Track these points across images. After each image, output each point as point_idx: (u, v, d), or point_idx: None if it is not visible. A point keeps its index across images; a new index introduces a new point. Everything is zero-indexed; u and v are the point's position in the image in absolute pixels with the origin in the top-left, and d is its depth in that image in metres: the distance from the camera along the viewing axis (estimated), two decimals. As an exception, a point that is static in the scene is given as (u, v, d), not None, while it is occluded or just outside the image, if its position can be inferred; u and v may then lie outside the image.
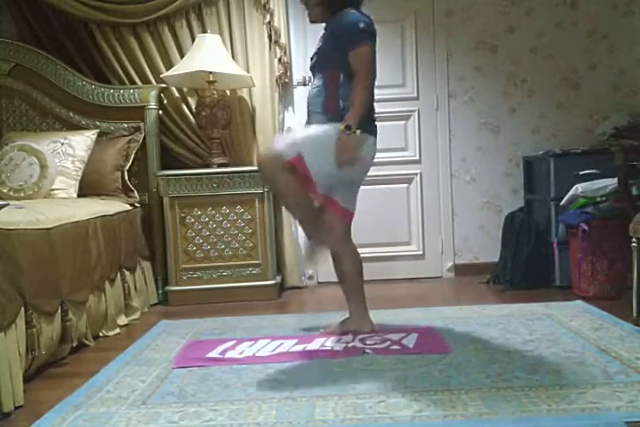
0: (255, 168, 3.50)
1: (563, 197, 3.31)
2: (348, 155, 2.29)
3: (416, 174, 3.95)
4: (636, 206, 2.82)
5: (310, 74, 2.56)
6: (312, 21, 2.57)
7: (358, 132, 2.28)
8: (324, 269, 3.81)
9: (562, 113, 3.90)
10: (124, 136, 3.60)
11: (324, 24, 2.51)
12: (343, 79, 2.36)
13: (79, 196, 3.32)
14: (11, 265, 2.03)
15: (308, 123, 2.52)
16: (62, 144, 3.37)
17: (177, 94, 3.79)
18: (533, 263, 3.46)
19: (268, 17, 3.71)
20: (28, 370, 2.15)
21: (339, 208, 2.48)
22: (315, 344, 2.46)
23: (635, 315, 2.59)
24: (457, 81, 3.92)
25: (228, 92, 3.77)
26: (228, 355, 2.37)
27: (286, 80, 3.81)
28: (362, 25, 2.32)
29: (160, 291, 3.61)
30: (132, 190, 3.53)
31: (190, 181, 3.48)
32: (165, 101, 3.78)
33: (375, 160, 2.50)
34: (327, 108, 2.40)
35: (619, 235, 2.89)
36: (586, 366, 2.06)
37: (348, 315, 2.61)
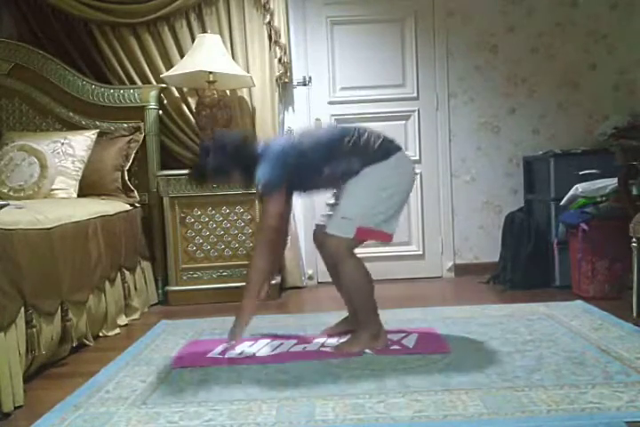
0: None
1: (563, 197, 3.31)
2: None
3: (416, 174, 3.94)
4: (636, 206, 2.82)
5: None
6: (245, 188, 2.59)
7: None
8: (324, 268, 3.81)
9: (562, 113, 3.90)
10: (124, 136, 3.60)
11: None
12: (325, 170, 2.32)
13: (79, 196, 3.31)
14: (11, 265, 2.02)
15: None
16: (62, 144, 3.37)
17: (177, 94, 3.78)
18: (533, 263, 3.46)
19: (268, 17, 3.71)
20: (27, 370, 2.15)
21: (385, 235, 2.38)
22: (315, 344, 2.46)
23: (635, 315, 2.59)
24: (457, 81, 3.92)
25: (228, 92, 3.77)
26: (228, 355, 2.37)
27: (286, 80, 3.81)
28: (260, 185, 2.29)
29: (160, 291, 3.60)
30: (132, 190, 3.53)
31: (190, 181, 3.47)
32: (165, 101, 3.78)
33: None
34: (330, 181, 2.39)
35: (619, 235, 2.88)
36: (586, 366, 2.06)
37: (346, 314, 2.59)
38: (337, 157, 2.29)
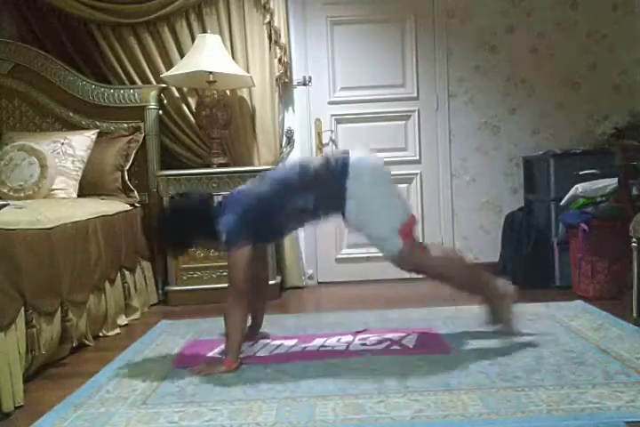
0: (255, 168, 3.53)
1: (563, 197, 3.31)
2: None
3: (416, 174, 3.95)
4: (635, 206, 2.82)
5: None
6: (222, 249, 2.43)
7: None
8: (326, 268, 3.81)
9: (562, 113, 3.90)
10: (124, 136, 3.60)
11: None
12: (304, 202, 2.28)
13: (79, 196, 3.32)
14: (11, 265, 2.03)
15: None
16: (62, 144, 3.37)
17: (177, 94, 3.78)
18: (533, 263, 3.46)
19: (268, 17, 3.71)
20: (27, 370, 2.15)
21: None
22: (315, 344, 2.46)
23: (635, 315, 2.59)
24: (457, 81, 3.92)
25: (228, 92, 3.77)
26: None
27: (286, 80, 3.81)
28: (222, 238, 2.23)
29: (160, 291, 3.60)
30: (132, 190, 3.53)
31: (190, 181, 3.47)
32: (165, 101, 3.78)
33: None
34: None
35: (619, 235, 2.88)
36: (586, 366, 2.06)
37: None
38: (296, 190, 2.26)
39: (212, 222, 2.26)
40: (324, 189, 2.27)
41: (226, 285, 3.39)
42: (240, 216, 2.23)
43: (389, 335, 2.51)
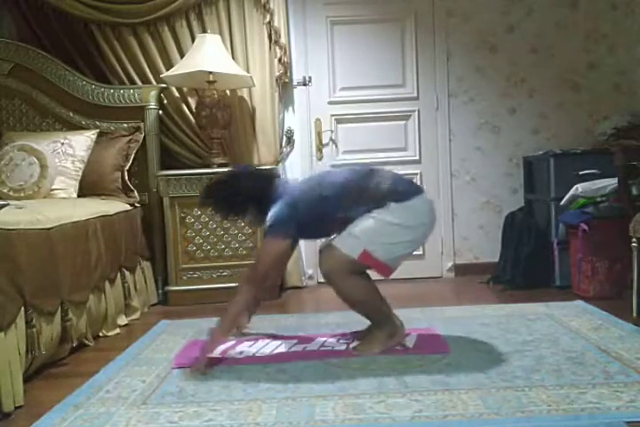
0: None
1: (563, 197, 3.31)
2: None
3: (416, 174, 3.95)
4: (635, 206, 2.82)
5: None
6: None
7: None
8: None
9: (562, 113, 3.90)
10: (124, 136, 3.60)
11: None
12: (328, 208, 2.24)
13: (79, 196, 3.32)
14: (11, 265, 2.02)
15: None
16: (62, 144, 3.37)
17: (177, 94, 3.79)
18: (533, 263, 3.46)
19: (268, 17, 3.71)
20: (27, 370, 2.15)
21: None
22: (315, 344, 2.46)
23: (635, 315, 2.59)
24: (457, 81, 3.92)
25: (228, 92, 3.77)
26: (227, 355, 2.37)
27: (286, 80, 3.81)
28: (268, 223, 2.22)
29: (160, 291, 3.60)
30: (132, 190, 3.53)
31: (190, 181, 3.47)
32: (165, 101, 3.78)
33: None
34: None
35: (619, 235, 2.88)
36: (586, 366, 2.06)
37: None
38: (356, 201, 2.22)
39: (268, 201, 2.26)
40: (375, 205, 2.21)
41: (225, 285, 3.44)
42: (293, 209, 2.21)
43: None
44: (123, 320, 3.03)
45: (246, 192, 2.30)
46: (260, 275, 2.24)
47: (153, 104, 3.67)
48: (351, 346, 2.40)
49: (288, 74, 3.81)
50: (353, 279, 2.25)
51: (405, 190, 2.27)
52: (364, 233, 2.20)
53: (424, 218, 2.30)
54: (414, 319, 2.82)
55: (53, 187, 3.22)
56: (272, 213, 2.22)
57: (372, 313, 2.35)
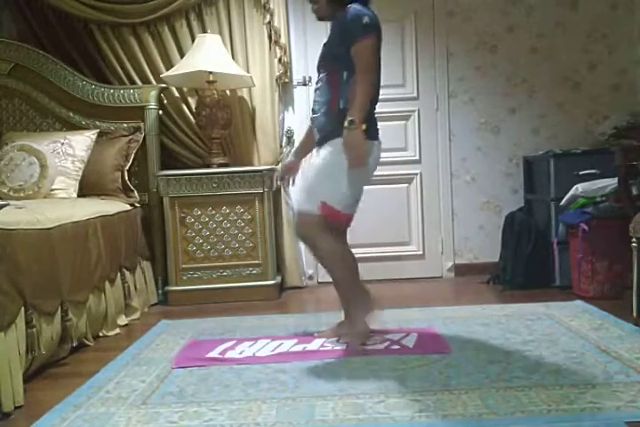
0: (255, 168, 3.54)
1: (563, 197, 3.31)
2: (356, 153, 2.23)
3: (416, 174, 3.95)
4: (636, 206, 2.82)
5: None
6: (319, 19, 2.54)
7: (364, 126, 2.22)
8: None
9: (562, 113, 3.90)
10: (124, 136, 3.60)
11: (325, 25, 2.50)
12: (347, 78, 2.32)
13: (79, 196, 3.32)
14: (11, 265, 2.03)
15: (312, 127, 2.49)
16: (62, 144, 3.37)
17: (177, 94, 3.79)
18: (533, 263, 3.46)
19: (268, 17, 3.71)
20: (27, 370, 2.15)
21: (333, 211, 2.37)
22: (314, 344, 2.46)
23: (635, 315, 2.59)
24: (457, 81, 3.92)
25: (228, 92, 3.77)
26: (227, 355, 2.37)
27: (286, 80, 3.81)
28: (365, 19, 2.26)
29: (160, 291, 3.60)
30: (132, 190, 3.53)
31: (190, 181, 3.47)
32: (165, 101, 3.78)
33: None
34: (328, 109, 2.36)
35: (619, 235, 2.88)
36: (586, 366, 2.06)
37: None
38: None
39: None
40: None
41: (226, 285, 3.44)
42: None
43: (389, 335, 2.51)
44: (123, 320, 3.03)
45: None
46: (368, 71, 2.28)
47: (153, 104, 3.66)
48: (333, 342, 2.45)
49: (288, 74, 3.81)
50: (333, 238, 2.34)
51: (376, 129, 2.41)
52: (314, 182, 2.32)
53: (374, 164, 2.40)
54: (414, 319, 2.83)
55: (53, 187, 3.22)
56: (361, 12, 2.28)
57: (351, 286, 2.41)
